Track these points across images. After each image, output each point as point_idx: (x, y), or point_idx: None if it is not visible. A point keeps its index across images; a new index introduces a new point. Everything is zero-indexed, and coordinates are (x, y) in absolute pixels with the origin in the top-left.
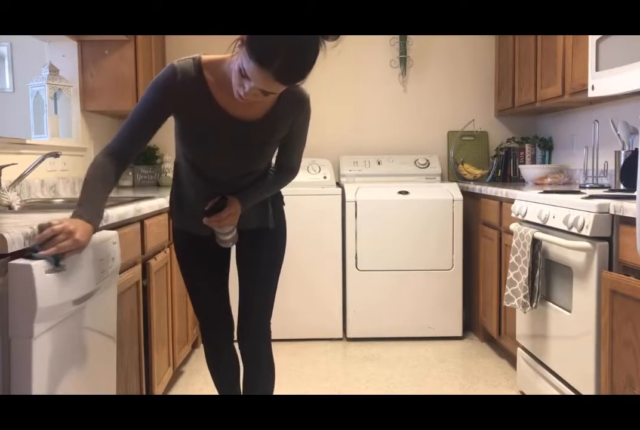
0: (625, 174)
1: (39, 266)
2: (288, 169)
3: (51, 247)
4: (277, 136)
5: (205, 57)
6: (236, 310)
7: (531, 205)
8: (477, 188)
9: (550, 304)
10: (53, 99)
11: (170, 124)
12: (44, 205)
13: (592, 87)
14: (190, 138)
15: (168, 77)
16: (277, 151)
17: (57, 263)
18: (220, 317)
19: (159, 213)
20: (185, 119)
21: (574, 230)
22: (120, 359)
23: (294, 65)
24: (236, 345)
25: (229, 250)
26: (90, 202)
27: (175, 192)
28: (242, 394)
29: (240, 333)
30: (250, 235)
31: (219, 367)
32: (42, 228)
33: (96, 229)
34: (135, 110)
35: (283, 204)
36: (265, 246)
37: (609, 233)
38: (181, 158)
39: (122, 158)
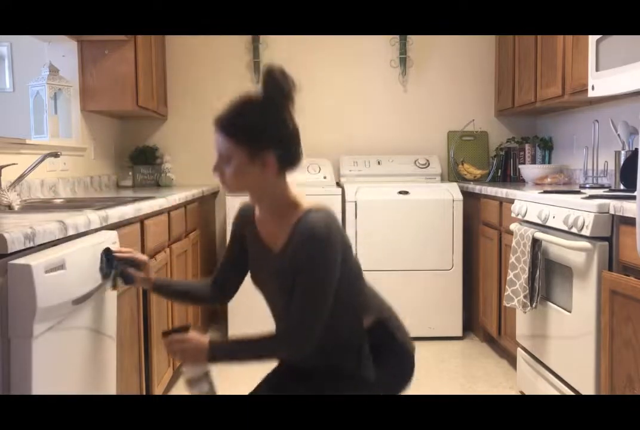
0: (625, 174)
1: (38, 266)
2: (283, 324)
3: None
4: (287, 277)
5: None
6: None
7: (531, 205)
8: (477, 188)
9: (550, 304)
10: (53, 99)
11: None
12: (44, 205)
13: (592, 87)
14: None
15: (240, 210)
16: None
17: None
18: None
19: (159, 213)
20: (248, 246)
21: (574, 230)
22: (120, 359)
23: (226, 114)
24: None
25: None
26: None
27: None
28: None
29: None
30: None
31: None
32: None
33: (156, 278)
34: None
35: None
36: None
37: (609, 233)
38: None
39: (216, 284)
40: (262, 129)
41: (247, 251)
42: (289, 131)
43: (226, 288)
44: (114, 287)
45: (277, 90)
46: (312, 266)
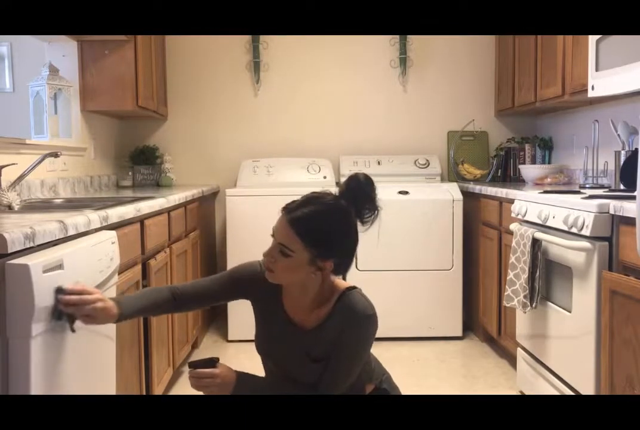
0: (625, 174)
1: (36, 266)
2: (316, 387)
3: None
4: (318, 350)
5: None
6: None
7: (531, 205)
8: (477, 188)
9: (550, 304)
10: (53, 99)
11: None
12: (44, 205)
13: (592, 87)
14: (258, 334)
15: (254, 267)
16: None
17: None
18: None
19: (159, 213)
20: (257, 312)
21: (574, 230)
22: (120, 359)
23: (301, 210)
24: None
25: None
26: (130, 296)
27: None
28: None
29: None
30: None
31: None
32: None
33: (120, 312)
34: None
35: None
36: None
37: (609, 233)
38: None
39: (177, 296)
40: (335, 240)
41: (228, 299)
42: (354, 242)
43: (183, 303)
44: (73, 329)
45: (359, 200)
46: (357, 342)
